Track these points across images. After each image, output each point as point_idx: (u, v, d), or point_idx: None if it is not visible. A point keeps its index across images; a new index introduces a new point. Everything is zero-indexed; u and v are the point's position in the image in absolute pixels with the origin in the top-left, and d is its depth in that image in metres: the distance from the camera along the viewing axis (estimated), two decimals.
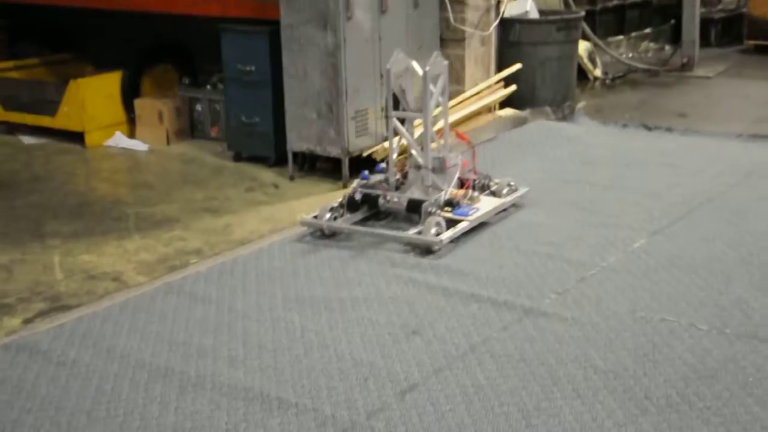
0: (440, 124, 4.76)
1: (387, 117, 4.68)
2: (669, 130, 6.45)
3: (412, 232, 4.36)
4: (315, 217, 4.51)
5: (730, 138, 6.15)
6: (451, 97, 6.21)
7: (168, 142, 6.53)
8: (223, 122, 6.41)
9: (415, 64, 4.64)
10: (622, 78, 8.62)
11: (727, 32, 10.48)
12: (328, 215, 4.49)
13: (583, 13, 7.61)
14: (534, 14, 7.10)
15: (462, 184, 4.70)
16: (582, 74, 8.32)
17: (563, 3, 8.63)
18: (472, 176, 4.74)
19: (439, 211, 4.45)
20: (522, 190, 4.88)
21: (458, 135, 4.97)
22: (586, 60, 8.41)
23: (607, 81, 8.51)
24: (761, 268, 3.88)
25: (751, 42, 9.66)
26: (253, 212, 5.08)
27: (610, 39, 9.55)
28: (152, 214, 5.07)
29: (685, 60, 8.74)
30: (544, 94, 6.91)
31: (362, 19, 5.41)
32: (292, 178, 5.67)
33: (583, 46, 8.34)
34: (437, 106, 4.66)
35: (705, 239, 4.26)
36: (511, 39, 6.88)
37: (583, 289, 3.77)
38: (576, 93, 7.59)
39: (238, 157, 6.13)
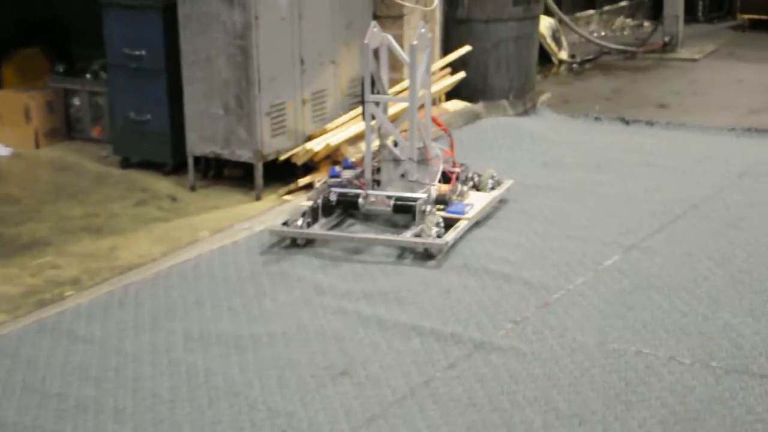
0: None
1: (363, 101, 4.80)
2: (648, 123, 6.67)
3: (409, 235, 4.52)
4: (285, 224, 4.61)
5: (721, 132, 6.39)
6: (388, 87, 6.32)
7: (37, 145, 6.48)
8: (107, 120, 6.39)
9: (391, 39, 4.81)
10: (592, 61, 8.86)
11: (717, 5, 10.86)
12: (300, 221, 4.59)
13: None
14: None
15: (446, 177, 4.87)
16: (545, 57, 8.53)
17: None
18: (456, 169, 4.95)
19: (434, 210, 4.63)
20: (507, 183, 5.13)
21: (434, 121, 5.13)
22: (549, 40, 8.62)
23: (575, 65, 8.74)
24: (753, 288, 4.06)
25: (745, 16, 10.04)
26: (145, 231, 5.08)
27: (579, 14, 9.82)
28: (16, 235, 5.02)
29: (667, 39, 9.03)
30: (499, 82, 7.06)
31: None
32: (193, 189, 5.69)
33: (546, 23, 8.56)
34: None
35: (689, 254, 4.43)
36: (459, 16, 7.02)
37: (544, 317, 3.88)
38: (537, 80, 7.78)
39: (126, 163, 6.11)
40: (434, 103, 6.58)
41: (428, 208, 4.64)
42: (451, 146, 5.10)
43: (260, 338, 3.77)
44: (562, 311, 3.93)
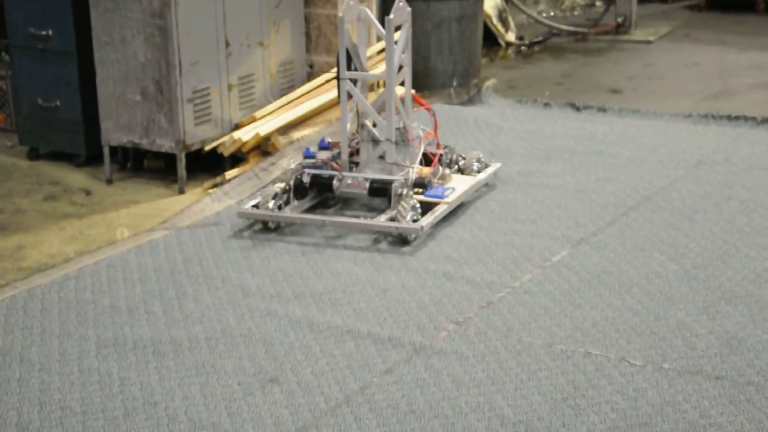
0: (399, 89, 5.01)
1: (338, 78, 4.87)
2: (601, 110, 6.75)
3: (383, 219, 4.64)
4: (255, 206, 4.73)
5: (676, 119, 6.50)
6: (321, 73, 6.33)
7: None
8: (11, 107, 6.29)
9: (369, 13, 4.93)
10: (541, 43, 8.95)
11: None
12: (271, 203, 4.70)
13: None
14: None
15: (428, 160, 4.97)
16: (491, 39, 8.60)
17: None
18: (438, 150, 5.06)
19: (411, 193, 4.75)
20: (494, 166, 5.29)
21: (416, 99, 5.24)
22: (495, 21, 8.69)
23: (523, 47, 8.82)
24: (708, 284, 4.13)
25: None
26: (56, 228, 5.02)
27: None
28: None
29: (620, 20, 9.17)
30: (442, 66, 7.10)
31: None
32: (109, 182, 5.63)
33: (492, 3, 8.63)
34: (400, 65, 4.93)
35: (641, 249, 4.50)
36: None
37: (488, 318, 3.92)
38: (483, 64, 7.85)
39: (34, 154, 6.03)
40: (372, 88, 6.59)
41: (405, 191, 4.76)
42: (435, 127, 5.20)
43: (181, 343, 3.74)
44: (507, 311, 3.97)
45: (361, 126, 4.95)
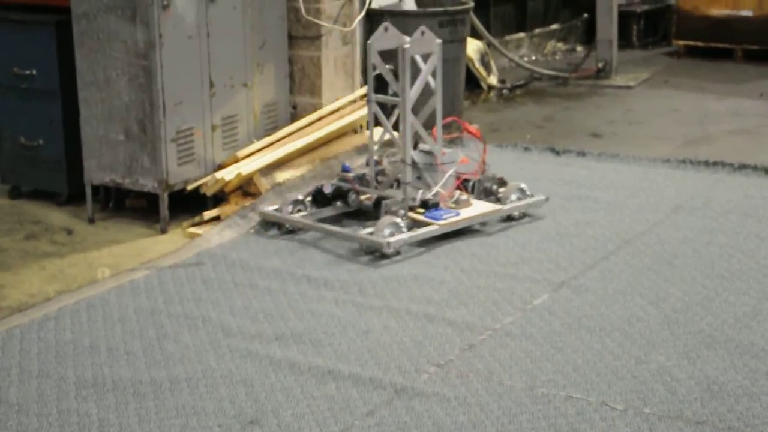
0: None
1: (368, 101, 5.38)
2: (581, 154, 6.80)
3: (364, 232, 5.00)
4: (277, 210, 5.30)
5: (655, 164, 6.55)
6: (304, 114, 6.36)
7: None
8: None
9: (406, 41, 5.22)
10: (523, 87, 9.02)
11: (652, 30, 11.18)
12: (290, 207, 5.26)
13: (472, 4, 7.94)
14: (410, 5, 7.37)
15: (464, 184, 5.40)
16: (473, 82, 8.66)
17: None
18: (470, 177, 5.43)
19: (402, 211, 5.07)
20: (533, 198, 5.49)
21: (465, 128, 5.70)
22: (477, 64, 8.76)
23: (505, 91, 8.89)
24: (688, 329, 4.15)
25: (681, 42, 10.34)
26: (36, 267, 4.99)
27: (508, 37, 10.01)
28: None
29: (600, 65, 9.25)
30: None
31: (184, 9, 5.47)
32: (91, 221, 5.62)
33: (474, 47, 8.70)
34: (429, 90, 5.32)
35: (621, 293, 4.52)
36: None
37: (470, 360, 3.91)
38: (465, 107, 7.89)
39: (15, 193, 6.01)
40: (355, 131, 6.63)
41: (396, 207, 5.08)
42: (483, 152, 5.54)
43: (162, 384, 3.72)
44: (489, 353, 3.97)
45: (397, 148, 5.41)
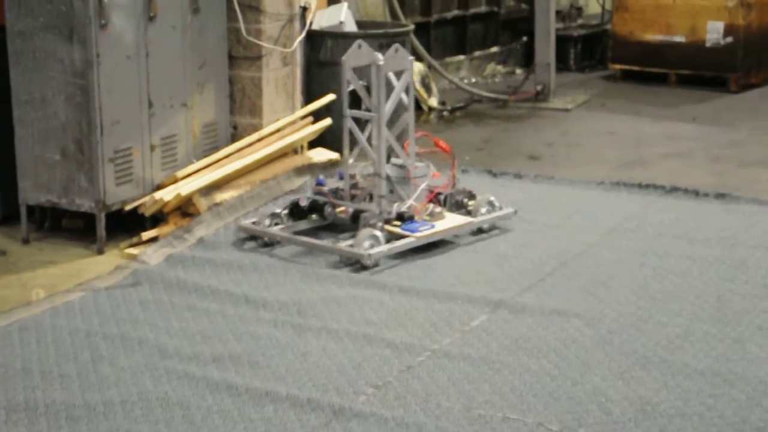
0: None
1: (343, 116, 5.49)
2: (518, 176, 6.85)
3: (344, 244, 5.12)
4: (254, 223, 5.36)
5: (591, 186, 6.62)
6: (245, 134, 6.34)
7: None
8: None
9: (379, 57, 5.37)
10: (463, 109, 9.08)
11: (589, 54, 11.33)
12: (267, 221, 5.33)
13: (412, 26, 7.98)
14: (350, 26, 7.38)
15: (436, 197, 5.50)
16: (414, 104, 8.70)
17: (389, 12, 9.04)
18: (442, 190, 5.54)
19: (380, 224, 5.18)
20: (502, 211, 5.64)
21: (436, 143, 5.73)
22: (418, 86, 8.80)
23: (445, 113, 8.94)
24: (623, 350, 4.19)
25: (617, 66, 10.49)
26: None
27: (448, 59, 10.08)
28: None
29: (539, 88, 9.35)
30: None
31: (122, 28, 5.43)
32: (26, 242, 5.53)
33: (415, 69, 8.74)
34: (402, 106, 5.51)
35: (558, 314, 4.55)
36: (322, 58, 7.11)
37: (408, 381, 3.92)
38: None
39: None
40: (296, 152, 6.62)
41: (374, 220, 5.19)
42: (453, 167, 5.67)
43: (96, 407, 3.67)
44: (426, 375, 3.97)
45: (372, 162, 5.47)
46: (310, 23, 6.97)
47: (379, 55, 5.37)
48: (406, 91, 5.51)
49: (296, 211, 5.48)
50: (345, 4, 7.55)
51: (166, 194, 5.56)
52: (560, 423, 3.61)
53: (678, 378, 3.92)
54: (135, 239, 5.44)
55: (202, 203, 5.64)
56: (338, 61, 7.04)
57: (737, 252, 5.31)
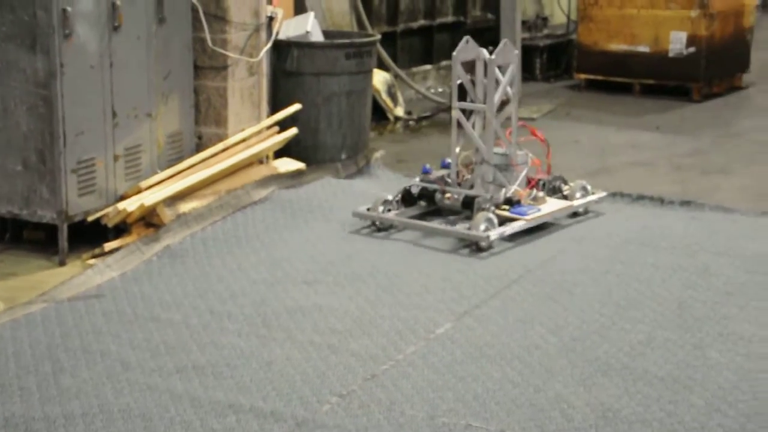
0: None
1: (451, 108, 5.89)
2: None
3: (461, 227, 5.48)
4: (368, 209, 5.76)
5: None
6: (210, 144, 6.31)
7: None
8: None
9: (485, 53, 5.78)
10: (429, 118, 9.10)
11: (555, 63, 11.40)
12: (381, 208, 5.72)
13: (379, 36, 7.99)
14: (317, 36, 7.38)
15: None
16: (379, 113, 8.71)
17: (355, 22, 9.04)
18: (541, 176, 5.93)
19: (492, 208, 5.55)
20: (595, 196, 6.05)
21: (532, 132, 6.08)
22: (384, 95, 8.81)
23: (411, 122, 8.95)
24: (585, 356, 4.20)
25: (582, 76, 10.56)
26: None
27: (415, 69, 10.10)
28: None
29: (504, 97, 9.36)
30: (331, 140, 7.15)
31: (86, 38, 5.39)
32: None
33: (381, 78, 8.75)
34: (507, 98, 5.87)
35: (522, 321, 4.56)
36: (288, 68, 7.09)
37: (372, 390, 3.90)
38: (372, 138, 7.92)
39: None
40: (261, 162, 6.60)
41: (487, 205, 5.55)
42: (548, 154, 6.07)
43: (56, 420, 3.62)
44: (391, 383, 3.96)
45: (476, 150, 5.81)
46: (277, 33, 6.96)
47: (485, 51, 5.78)
48: (510, 84, 5.87)
49: (408, 198, 5.85)
50: (312, 14, 7.54)
51: (130, 205, 5.52)
52: (522, 430, 3.61)
53: (639, 384, 3.93)
54: (98, 250, 5.40)
55: (166, 213, 5.61)
56: (305, 70, 7.12)
57: (700, 259, 5.34)
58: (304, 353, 4.22)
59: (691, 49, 9.84)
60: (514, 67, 5.88)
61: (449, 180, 5.92)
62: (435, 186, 5.84)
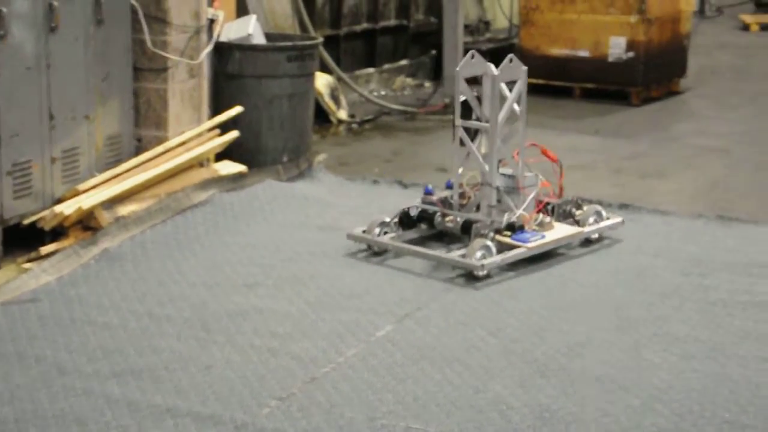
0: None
1: (453, 126, 5.52)
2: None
3: (456, 254, 5.10)
4: (364, 231, 5.38)
5: None
6: (150, 147, 6.25)
7: None
8: None
9: (492, 68, 5.39)
10: (372, 121, 9.10)
11: (497, 67, 11.45)
12: (377, 230, 5.34)
13: (321, 39, 7.98)
14: (259, 38, 7.34)
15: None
16: (322, 116, 8.70)
17: (298, 25, 9.02)
18: (550, 199, 5.51)
19: (492, 234, 5.14)
20: (610, 221, 5.62)
21: (544, 152, 5.70)
22: (327, 98, 8.80)
23: (354, 125, 8.95)
24: (524, 358, 4.22)
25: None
26: None
27: (358, 72, 10.10)
28: None
29: (447, 100, 9.41)
30: (273, 142, 7.12)
31: (22, 39, 5.30)
32: None
33: (324, 81, 8.74)
34: (513, 115, 5.50)
35: (463, 324, 4.57)
36: (230, 70, 7.05)
37: (312, 393, 3.89)
38: (314, 141, 7.90)
39: None
40: (201, 165, 6.54)
41: (486, 231, 5.16)
42: (560, 177, 5.66)
43: None
44: (331, 386, 3.95)
45: (482, 171, 5.46)
46: (218, 35, 6.92)
47: (492, 66, 5.42)
48: (518, 101, 5.52)
49: (406, 221, 5.50)
50: (254, 17, 7.50)
51: (67, 208, 5.44)
52: (461, 431, 3.62)
53: (576, 385, 3.96)
54: (34, 254, 5.31)
55: (104, 216, 5.54)
56: (246, 73, 7.08)
57: (637, 261, 5.40)
58: (243, 356, 4.19)
59: (630, 54, 9.96)
60: (521, 84, 5.51)
61: (453, 202, 5.58)
62: (435, 208, 5.51)
